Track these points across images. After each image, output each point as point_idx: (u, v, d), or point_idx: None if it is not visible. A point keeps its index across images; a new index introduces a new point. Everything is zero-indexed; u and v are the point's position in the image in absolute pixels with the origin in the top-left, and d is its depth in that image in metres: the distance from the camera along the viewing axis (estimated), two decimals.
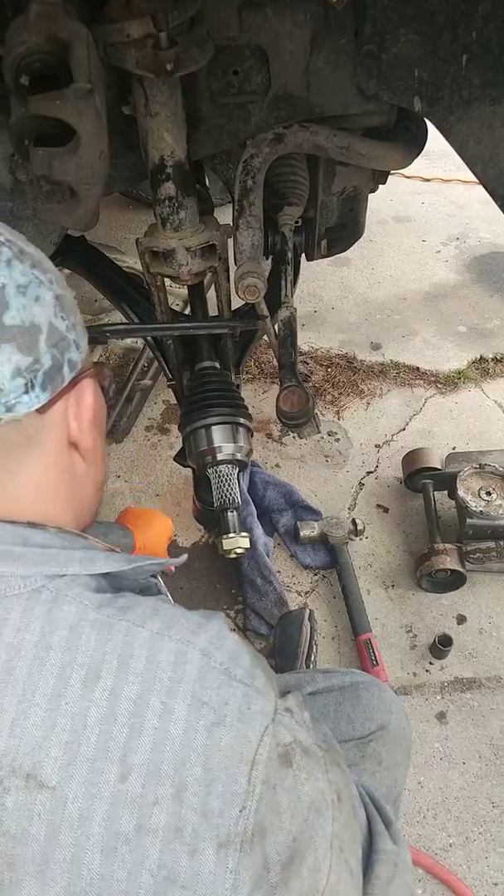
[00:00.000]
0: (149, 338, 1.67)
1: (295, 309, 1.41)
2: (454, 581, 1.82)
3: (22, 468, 0.70)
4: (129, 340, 2.46)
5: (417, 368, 2.49)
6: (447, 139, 1.25)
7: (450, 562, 1.76)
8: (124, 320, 1.73)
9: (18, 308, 0.65)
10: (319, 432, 1.46)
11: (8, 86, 1.01)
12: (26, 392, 0.66)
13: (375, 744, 1.09)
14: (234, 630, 1.72)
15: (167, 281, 1.47)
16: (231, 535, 1.38)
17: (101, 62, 1.09)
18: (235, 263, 1.36)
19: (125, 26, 1.04)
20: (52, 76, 1.01)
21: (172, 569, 1.66)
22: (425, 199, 3.51)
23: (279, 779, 0.63)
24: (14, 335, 0.65)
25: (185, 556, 0.91)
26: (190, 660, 0.63)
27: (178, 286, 1.73)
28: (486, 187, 1.26)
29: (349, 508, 2.06)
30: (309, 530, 1.91)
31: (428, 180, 3.64)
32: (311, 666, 1.54)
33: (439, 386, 2.42)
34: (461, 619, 1.79)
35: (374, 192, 1.68)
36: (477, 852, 1.40)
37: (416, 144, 1.45)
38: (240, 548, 1.38)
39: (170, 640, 0.63)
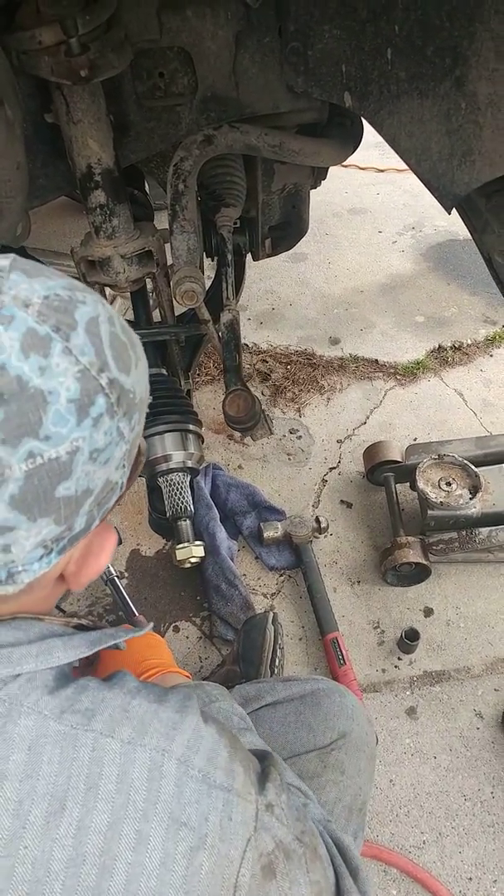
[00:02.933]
0: None
1: (238, 312, 1.39)
2: (419, 574, 1.82)
3: None
4: None
5: (376, 361, 2.49)
6: (380, 134, 1.25)
7: (413, 555, 1.76)
8: None
9: (80, 477, 0.56)
10: (272, 433, 1.45)
11: None
12: (39, 560, 0.58)
13: (337, 753, 1.08)
14: (201, 638, 1.73)
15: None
16: (184, 544, 1.37)
17: (16, 70, 1.06)
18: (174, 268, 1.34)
19: (36, 33, 1.02)
20: None
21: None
22: (380, 190, 3.51)
23: (261, 894, 0.60)
24: (59, 507, 0.56)
25: (150, 625, 0.84)
26: (165, 773, 0.58)
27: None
28: (421, 180, 1.25)
29: (313, 506, 2.05)
30: (272, 531, 1.89)
31: (382, 171, 3.64)
32: (277, 671, 1.52)
33: (399, 377, 2.42)
34: (428, 612, 1.79)
35: (315, 188, 1.67)
36: (450, 847, 1.40)
37: (351, 139, 1.44)
38: (194, 557, 1.37)
39: (143, 751, 0.58)
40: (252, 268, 2.19)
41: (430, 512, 1.78)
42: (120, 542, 1.91)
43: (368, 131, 1.49)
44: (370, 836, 1.41)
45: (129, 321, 1.69)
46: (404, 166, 3.78)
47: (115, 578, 1.79)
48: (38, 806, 0.53)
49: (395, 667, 1.68)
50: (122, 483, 0.64)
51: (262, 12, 1.19)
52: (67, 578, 0.67)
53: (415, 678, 1.66)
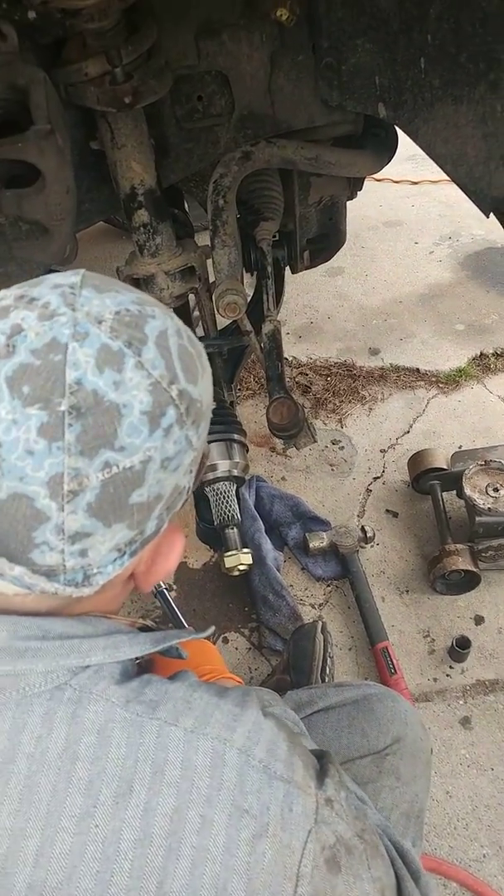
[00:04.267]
0: None
1: (279, 322, 1.41)
2: (469, 581, 1.80)
3: (64, 613, 0.64)
4: None
5: (417, 370, 2.48)
6: (415, 142, 1.26)
7: (462, 562, 1.74)
8: None
9: (152, 484, 0.59)
10: (315, 441, 1.47)
11: None
12: (113, 562, 0.61)
13: (392, 758, 1.07)
14: (250, 648, 1.73)
15: None
16: (233, 552, 1.38)
17: (64, 102, 1.11)
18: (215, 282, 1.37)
19: (82, 66, 1.07)
20: (15, 121, 1.03)
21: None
22: (415, 202, 3.51)
23: (328, 888, 0.60)
24: (132, 513, 0.59)
25: (212, 628, 0.85)
26: (228, 761, 0.59)
27: None
28: (458, 185, 1.26)
29: (358, 516, 2.05)
30: (318, 541, 1.90)
31: (417, 183, 3.65)
32: (327, 679, 1.52)
33: (441, 385, 2.41)
34: (479, 620, 1.76)
35: (351, 199, 1.69)
36: None
37: (386, 149, 1.46)
38: (242, 564, 1.38)
39: (205, 740, 0.60)
40: (289, 283, 2.21)
41: (478, 518, 1.76)
42: None
43: (402, 145, 1.51)
44: (427, 849, 1.38)
45: None
46: (438, 177, 3.77)
47: (164, 591, 1.82)
48: (108, 786, 0.55)
49: (447, 675, 1.66)
50: (189, 487, 0.66)
51: (295, 32, 1.22)
52: (137, 578, 0.70)
53: (468, 687, 1.64)
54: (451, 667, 1.68)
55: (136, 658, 0.68)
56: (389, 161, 1.47)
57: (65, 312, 0.57)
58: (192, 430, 0.62)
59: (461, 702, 1.61)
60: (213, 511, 1.41)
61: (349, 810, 0.69)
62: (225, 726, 0.61)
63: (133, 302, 0.61)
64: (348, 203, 1.71)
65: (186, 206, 1.74)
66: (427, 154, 1.25)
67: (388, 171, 1.50)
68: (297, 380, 2.47)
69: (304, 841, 0.60)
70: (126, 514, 0.59)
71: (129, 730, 0.58)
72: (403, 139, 1.44)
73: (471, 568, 1.74)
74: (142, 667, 0.88)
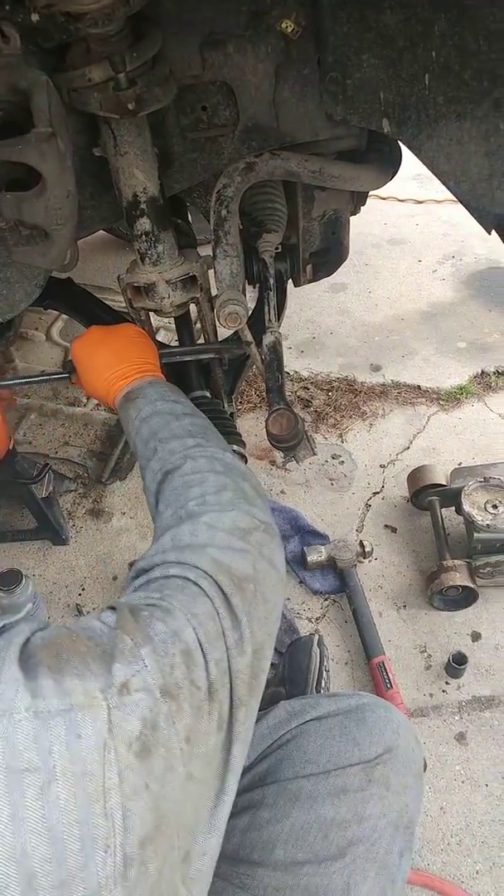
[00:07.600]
0: None
1: (280, 334, 1.41)
2: (466, 598, 1.78)
3: None
4: None
5: (419, 387, 2.48)
6: (418, 157, 1.27)
7: (459, 578, 1.73)
8: None
9: None
10: (315, 454, 1.46)
11: None
12: None
13: (383, 767, 1.06)
14: None
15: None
16: None
17: (67, 107, 1.12)
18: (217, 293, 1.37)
19: (86, 71, 1.08)
20: (17, 124, 1.04)
21: None
22: (419, 221, 3.53)
23: (145, 775, 0.60)
24: None
25: None
26: None
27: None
28: (460, 201, 1.26)
29: (357, 530, 2.04)
30: (316, 555, 1.89)
31: (421, 202, 3.67)
32: (323, 692, 1.51)
33: (441, 403, 2.41)
34: (476, 636, 1.75)
35: (354, 214, 1.69)
36: None
37: (390, 164, 1.46)
38: None
39: None
40: (292, 298, 2.22)
41: (476, 535, 1.75)
42: None
43: (406, 164, 1.52)
44: (420, 865, 1.36)
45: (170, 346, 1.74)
46: (442, 197, 3.79)
47: None
48: None
49: (443, 691, 1.65)
50: None
51: (301, 45, 1.23)
52: None
53: (464, 703, 1.62)
54: (447, 682, 1.66)
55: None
56: (393, 176, 1.48)
57: None
58: None
59: (457, 717, 1.60)
60: None
61: (155, 669, 0.66)
62: None
63: None
64: (353, 220, 1.72)
65: (190, 219, 1.75)
66: (430, 170, 1.25)
67: (392, 189, 1.51)
68: (298, 394, 2.47)
69: (101, 756, 0.58)
70: None
71: None
72: (409, 157, 1.46)
73: (468, 584, 1.73)
74: None
